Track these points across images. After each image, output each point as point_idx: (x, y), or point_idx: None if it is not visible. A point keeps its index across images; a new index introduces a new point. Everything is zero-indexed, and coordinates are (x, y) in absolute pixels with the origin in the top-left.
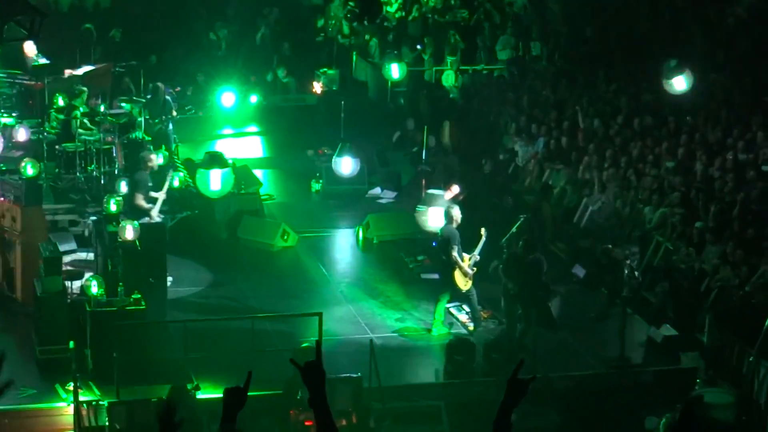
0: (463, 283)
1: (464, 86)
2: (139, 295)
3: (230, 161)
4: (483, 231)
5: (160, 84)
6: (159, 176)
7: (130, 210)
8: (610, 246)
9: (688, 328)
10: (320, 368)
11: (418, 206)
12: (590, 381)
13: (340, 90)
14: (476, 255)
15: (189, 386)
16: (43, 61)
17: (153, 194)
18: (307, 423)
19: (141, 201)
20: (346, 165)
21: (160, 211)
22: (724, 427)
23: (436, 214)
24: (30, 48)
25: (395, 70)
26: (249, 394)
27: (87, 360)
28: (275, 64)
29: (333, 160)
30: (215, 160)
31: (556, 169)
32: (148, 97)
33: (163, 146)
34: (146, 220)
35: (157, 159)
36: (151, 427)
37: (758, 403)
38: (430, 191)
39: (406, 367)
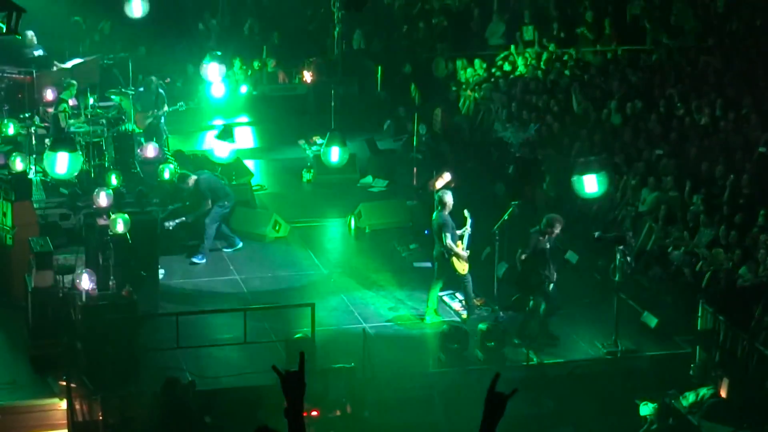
0: (461, 268)
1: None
2: (131, 289)
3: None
4: (466, 213)
5: (153, 77)
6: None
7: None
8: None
9: (684, 312)
10: (301, 379)
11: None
12: (584, 367)
13: (330, 79)
14: (466, 236)
15: (184, 382)
16: (39, 53)
17: None
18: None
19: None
20: (334, 154)
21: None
22: None
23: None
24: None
25: (335, 154)
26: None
27: (79, 354)
28: (264, 54)
29: (322, 150)
30: (64, 142)
31: (549, 154)
32: (140, 90)
33: (154, 139)
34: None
35: None
36: (144, 421)
37: (753, 386)
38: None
39: (399, 356)
